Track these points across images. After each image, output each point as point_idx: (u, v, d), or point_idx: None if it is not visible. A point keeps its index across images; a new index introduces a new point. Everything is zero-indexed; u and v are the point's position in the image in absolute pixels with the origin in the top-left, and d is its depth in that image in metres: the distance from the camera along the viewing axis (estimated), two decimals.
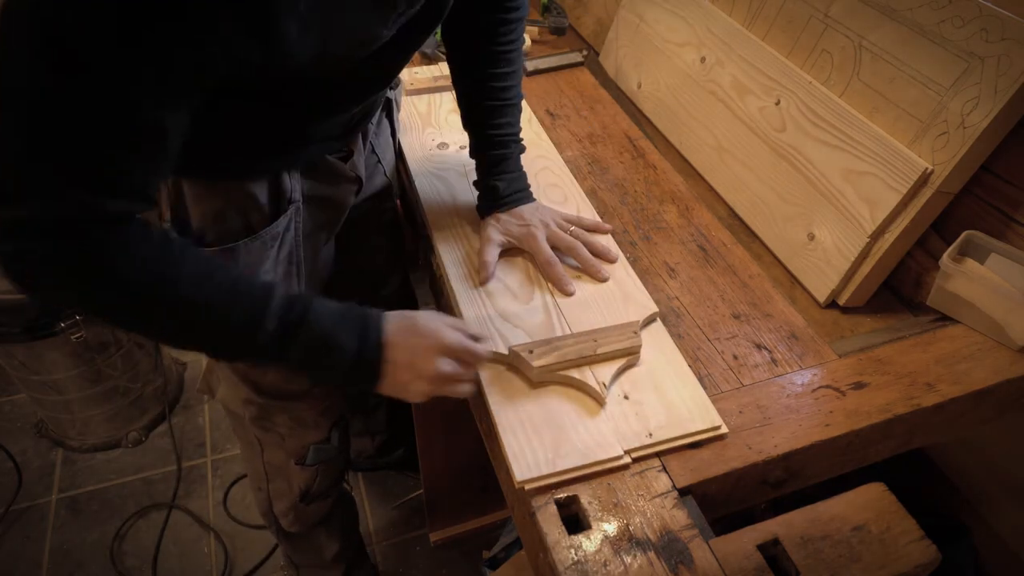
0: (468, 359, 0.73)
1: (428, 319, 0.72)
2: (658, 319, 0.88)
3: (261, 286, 0.67)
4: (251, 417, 1.06)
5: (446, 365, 0.71)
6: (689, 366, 0.81)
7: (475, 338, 0.75)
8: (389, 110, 1.05)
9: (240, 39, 0.53)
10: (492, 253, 0.92)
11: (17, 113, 0.52)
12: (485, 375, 0.79)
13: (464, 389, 0.75)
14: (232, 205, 0.80)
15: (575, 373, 0.79)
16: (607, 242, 0.97)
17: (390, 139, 1.08)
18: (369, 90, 0.86)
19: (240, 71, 0.57)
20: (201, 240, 0.83)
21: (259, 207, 0.82)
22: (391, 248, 1.22)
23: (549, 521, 0.67)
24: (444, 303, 0.97)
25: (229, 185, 0.80)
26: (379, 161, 1.05)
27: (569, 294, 0.89)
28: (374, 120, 1.00)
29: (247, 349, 0.67)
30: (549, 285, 0.91)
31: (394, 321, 0.71)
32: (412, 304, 1.40)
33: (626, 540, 0.65)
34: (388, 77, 0.87)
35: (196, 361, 2.06)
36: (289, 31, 0.56)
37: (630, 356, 0.81)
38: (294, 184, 0.85)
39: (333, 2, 0.60)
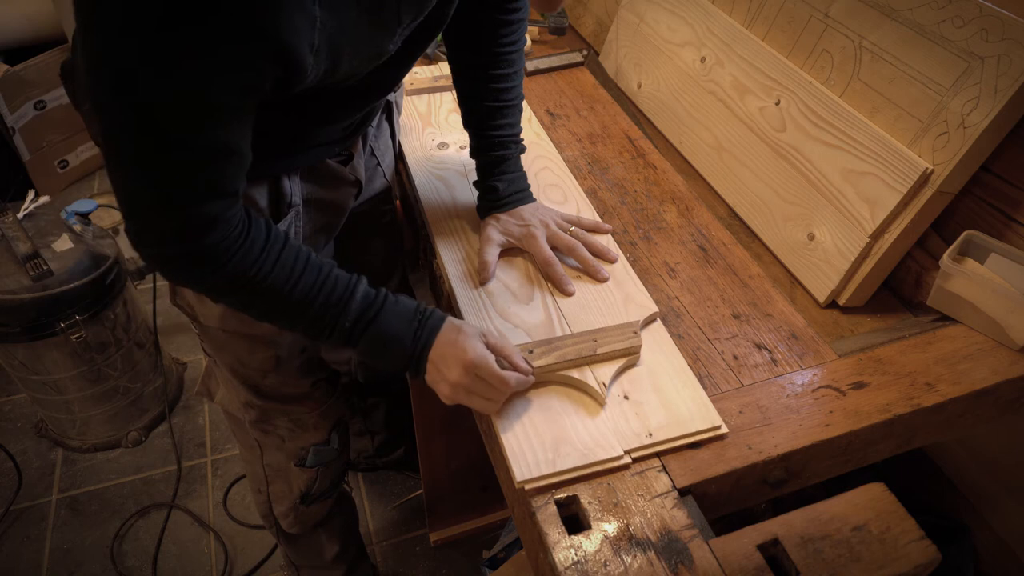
0: (492, 381, 0.74)
1: (470, 333, 0.76)
2: (658, 319, 0.88)
3: (345, 284, 0.75)
4: (251, 420, 1.06)
5: (466, 379, 0.74)
6: (689, 366, 0.81)
7: (513, 365, 0.76)
8: (389, 112, 1.05)
9: (269, 66, 0.60)
10: (492, 253, 0.92)
11: (123, 155, 0.62)
12: None
13: (481, 405, 0.76)
14: None
15: (575, 373, 0.79)
16: (607, 242, 0.97)
17: (389, 141, 1.08)
18: (372, 97, 0.86)
19: (270, 86, 0.63)
20: None
21: (259, 210, 0.82)
22: (389, 249, 1.22)
23: (549, 521, 0.67)
24: (444, 303, 0.97)
25: None
26: (379, 164, 1.05)
27: (569, 294, 0.89)
28: (374, 123, 1.00)
29: (327, 337, 0.76)
30: (549, 285, 0.91)
31: (444, 329, 0.77)
32: None
33: (626, 540, 0.65)
34: (391, 84, 0.87)
35: (196, 361, 2.06)
36: (305, 59, 0.61)
37: (630, 356, 0.81)
38: (294, 188, 0.85)
39: (342, 27, 0.62)
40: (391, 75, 0.84)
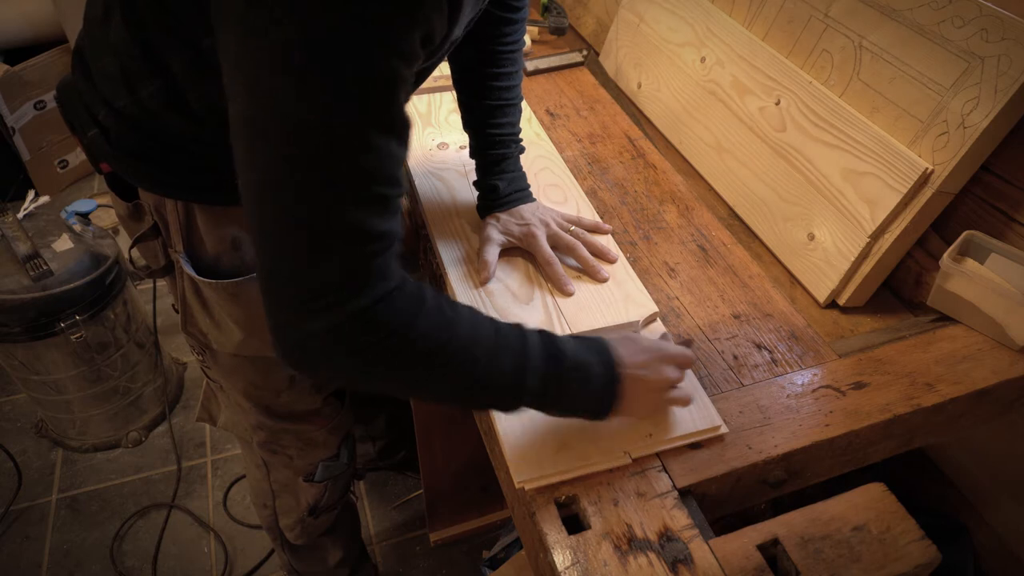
0: (685, 364, 0.73)
1: (640, 337, 0.73)
2: (658, 319, 0.88)
3: (514, 326, 0.65)
4: (259, 442, 1.05)
5: (672, 372, 0.71)
6: None
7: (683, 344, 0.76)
8: None
9: (439, 26, 0.53)
10: (492, 253, 0.92)
11: (282, 187, 0.52)
12: None
13: (687, 394, 0.74)
14: (246, 230, 0.79)
15: None
16: (607, 242, 0.97)
17: None
18: None
19: None
20: (216, 269, 0.81)
21: None
22: None
23: (549, 521, 0.67)
24: None
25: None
26: None
27: (568, 294, 0.89)
28: None
29: (520, 390, 0.64)
30: (549, 285, 0.91)
31: (617, 342, 0.71)
32: None
33: (626, 540, 0.65)
34: (421, 82, 0.85)
35: (196, 361, 2.06)
36: (461, 21, 0.56)
37: None
38: None
39: None
40: (428, 70, 0.79)
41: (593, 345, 0.69)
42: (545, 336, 0.66)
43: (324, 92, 0.49)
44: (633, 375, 0.69)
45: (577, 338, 0.69)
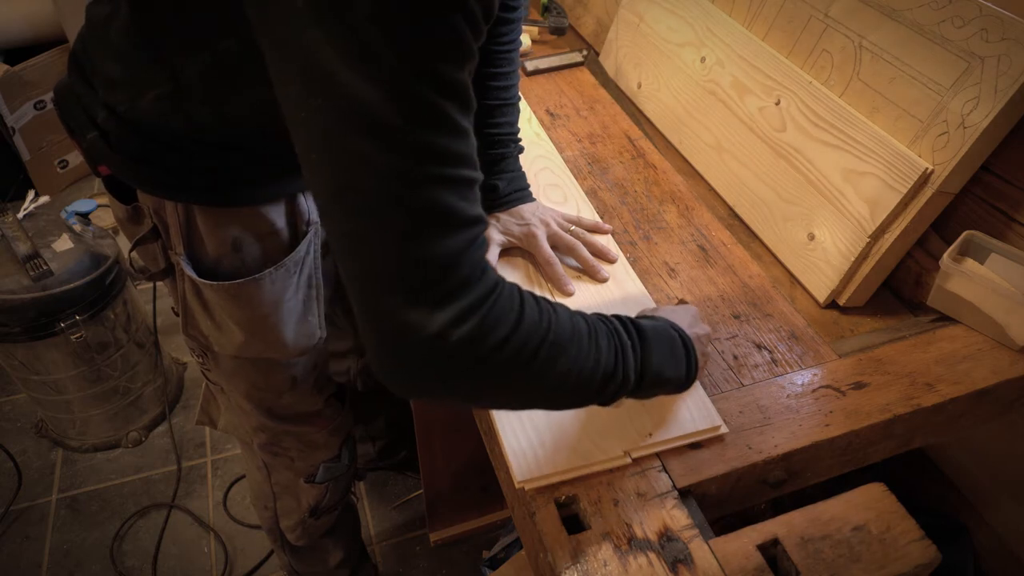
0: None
1: (663, 306, 0.79)
2: None
3: (590, 314, 0.62)
4: (260, 444, 1.04)
5: (707, 324, 0.78)
6: None
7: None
8: None
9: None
10: (492, 253, 0.92)
11: (379, 184, 0.47)
12: None
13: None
14: (248, 232, 0.78)
15: None
16: (607, 242, 0.97)
17: None
18: None
19: None
20: (217, 271, 0.80)
21: (276, 231, 0.80)
22: None
23: (549, 521, 0.67)
24: None
25: (243, 211, 0.77)
26: None
27: (568, 294, 0.89)
28: None
29: (620, 377, 0.61)
30: (549, 285, 0.91)
31: (662, 312, 0.74)
32: None
33: (626, 540, 0.65)
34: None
35: (196, 363, 2.06)
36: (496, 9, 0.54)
37: None
38: (311, 205, 0.83)
39: None
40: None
41: (651, 315, 0.71)
42: (615, 315, 0.65)
43: (399, 63, 0.45)
44: (695, 334, 0.72)
45: (639, 317, 0.70)
